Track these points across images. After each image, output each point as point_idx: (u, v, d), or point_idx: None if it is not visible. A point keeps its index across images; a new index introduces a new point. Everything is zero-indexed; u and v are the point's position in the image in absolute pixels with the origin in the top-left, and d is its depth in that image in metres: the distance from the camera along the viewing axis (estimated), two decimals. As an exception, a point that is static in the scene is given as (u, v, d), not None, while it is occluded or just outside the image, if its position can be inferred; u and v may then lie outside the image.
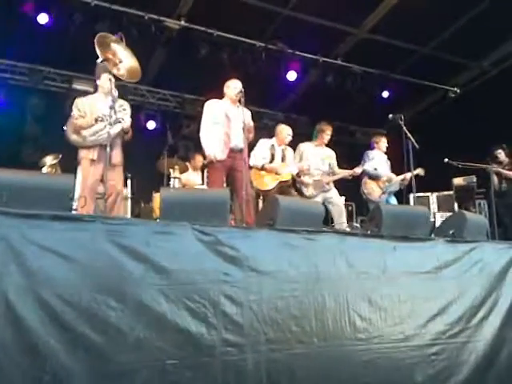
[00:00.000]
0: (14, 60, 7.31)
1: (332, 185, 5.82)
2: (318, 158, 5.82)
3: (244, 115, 4.55)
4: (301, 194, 5.69)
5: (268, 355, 2.82)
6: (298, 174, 5.64)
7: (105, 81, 4.48)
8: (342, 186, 6.04)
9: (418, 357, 3.32)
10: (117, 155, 4.47)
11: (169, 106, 8.61)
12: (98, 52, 4.35)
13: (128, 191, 5.98)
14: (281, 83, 7.96)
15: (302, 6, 6.63)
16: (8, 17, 6.04)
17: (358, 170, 5.90)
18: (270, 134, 5.84)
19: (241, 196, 4.38)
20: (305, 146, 5.86)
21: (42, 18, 6.15)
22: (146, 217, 6.12)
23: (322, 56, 7.74)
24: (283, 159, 5.57)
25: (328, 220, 5.59)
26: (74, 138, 4.45)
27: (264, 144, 5.55)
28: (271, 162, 5.48)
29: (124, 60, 4.50)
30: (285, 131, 5.63)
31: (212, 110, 4.76)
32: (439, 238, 3.94)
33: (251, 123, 4.84)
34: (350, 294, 3.26)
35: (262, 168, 5.42)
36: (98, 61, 4.36)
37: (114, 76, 4.46)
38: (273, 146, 5.56)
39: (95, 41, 4.40)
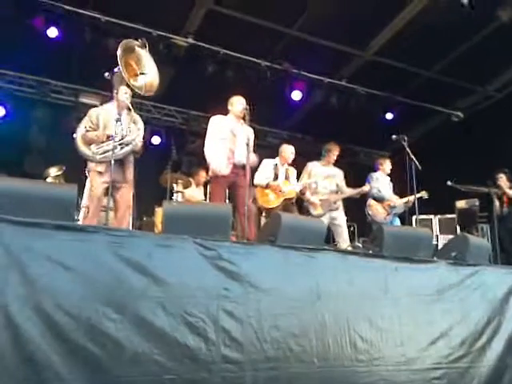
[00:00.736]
0: (21, 72, 7.41)
1: (340, 204, 5.83)
2: (325, 177, 5.86)
3: (247, 132, 4.61)
4: (308, 213, 5.70)
5: (267, 373, 2.78)
6: (301, 191, 5.67)
7: (122, 94, 4.36)
8: (344, 206, 6.03)
9: (419, 380, 3.27)
10: (129, 173, 4.41)
11: (174, 121, 8.68)
12: (120, 58, 4.23)
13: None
14: (286, 102, 8.02)
15: (308, 27, 6.72)
16: (17, 29, 6.12)
17: (365, 189, 5.92)
18: (275, 152, 5.86)
19: (242, 212, 4.37)
20: (312, 165, 5.92)
21: (52, 32, 6.22)
22: (147, 231, 6.09)
23: (326, 77, 7.82)
24: (286, 178, 5.60)
25: (329, 239, 5.57)
26: (83, 149, 4.32)
27: (268, 164, 5.60)
28: (274, 180, 5.51)
29: (146, 71, 4.40)
30: (288, 150, 5.68)
31: (218, 125, 4.80)
32: (441, 261, 3.92)
33: (252, 142, 4.87)
34: (351, 313, 3.23)
35: (267, 186, 5.45)
36: (116, 71, 4.25)
37: (131, 89, 4.38)
38: (276, 165, 5.61)
39: (119, 46, 4.31)
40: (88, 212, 3.97)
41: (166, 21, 6.56)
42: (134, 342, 2.49)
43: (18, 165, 6.83)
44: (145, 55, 4.52)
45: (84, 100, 7.67)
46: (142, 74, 4.40)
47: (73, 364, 2.34)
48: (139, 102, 8.00)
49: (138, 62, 4.46)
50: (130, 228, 5.63)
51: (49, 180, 5.72)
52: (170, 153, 6.33)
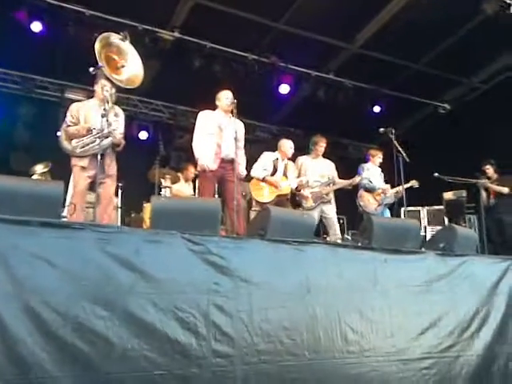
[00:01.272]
0: (5, 68, 7.29)
1: (331, 196, 5.84)
2: (316, 171, 5.87)
3: (236, 126, 4.58)
4: (301, 206, 5.71)
5: (258, 367, 2.78)
6: (297, 188, 5.67)
7: (101, 88, 4.38)
8: (335, 198, 6.04)
9: (409, 370, 3.31)
10: (111, 166, 4.40)
11: (161, 116, 8.63)
12: (98, 53, 4.26)
13: (118, 201, 5.94)
14: (274, 96, 8.00)
15: (295, 20, 6.69)
16: (1, 25, 6.02)
17: (357, 179, 5.93)
18: (263, 146, 5.86)
19: (231, 206, 4.37)
20: (303, 160, 5.92)
21: (36, 27, 6.12)
22: (135, 227, 6.06)
23: (314, 70, 7.81)
24: (285, 173, 5.59)
25: (319, 232, 5.59)
26: (65, 144, 4.37)
27: (268, 156, 5.59)
28: (273, 174, 5.49)
29: (128, 63, 4.41)
30: (287, 144, 5.68)
31: (205, 120, 4.78)
32: (430, 252, 3.96)
33: (242, 136, 4.85)
34: (341, 306, 3.25)
35: (263, 180, 5.43)
36: (97, 66, 4.24)
37: (112, 83, 4.39)
38: (277, 159, 5.60)
39: (97, 40, 4.31)
40: (74, 209, 3.93)
41: (152, 14, 6.49)
42: (123, 338, 2.47)
43: (3, 162, 6.73)
44: (126, 47, 4.49)
45: (70, 95, 7.57)
46: (123, 66, 4.37)
47: (62, 362, 2.33)
48: (126, 96, 7.96)
49: (119, 54, 4.46)
50: (118, 223, 5.62)
51: (35, 177, 5.65)
52: (157, 148, 6.29)
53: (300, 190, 5.70)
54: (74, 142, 4.27)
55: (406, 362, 3.31)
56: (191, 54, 6.98)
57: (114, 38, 4.51)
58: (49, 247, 2.50)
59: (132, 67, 4.41)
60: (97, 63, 4.31)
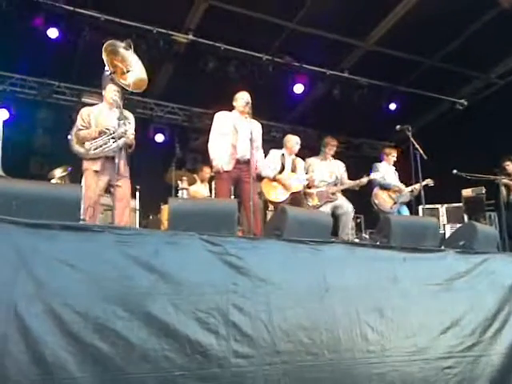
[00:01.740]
0: (24, 74, 7.42)
1: (338, 196, 5.79)
2: (324, 171, 5.83)
3: (252, 127, 4.59)
4: (305, 204, 5.68)
5: (278, 367, 2.78)
6: (307, 185, 5.64)
7: (110, 92, 4.47)
8: (351, 198, 6.00)
9: (431, 370, 3.26)
10: (125, 168, 4.45)
11: (177, 119, 8.69)
12: (106, 61, 4.38)
13: (136, 203, 5.99)
14: (288, 96, 7.99)
15: (308, 19, 6.68)
16: (18, 32, 6.13)
17: (364, 180, 5.86)
18: (278, 146, 5.84)
19: (248, 207, 4.37)
20: (311, 161, 5.90)
21: (52, 33, 6.22)
22: (153, 229, 6.10)
23: (328, 69, 7.77)
24: (293, 169, 5.56)
25: (336, 231, 5.56)
26: (77, 148, 4.44)
27: (274, 154, 5.58)
28: (281, 171, 5.47)
29: (132, 68, 4.52)
30: (293, 140, 5.66)
31: (221, 121, 4.80)
32: (449, 250, 3.90)
33: (259, 136, 4.86)
34: (361, 305, 3.22)
35: (274, 179, 5.42)
36: (106, 72, 4.37)
37: (121, 87, 4.48)
38: (283, 155, 5.58)
39: (103, 49, 4.45)
40: (93, 212, 3.99)
41: (166, 18, 6.53)
42: (143, 339, 2.49)
43: (23, 167, 6.85)
44: (130, 55, 4.65)
45: (87, 100, 7.66)
46: (129, 71, 4.51)
47: (83, 362, 2.35)
48: (142, 100, 8.06)
49: (123, 62, 4.59)
50: (136, 226, 5.67)
51: (54, 181, 5.73)
52: (173, 150, 6.33)
53: (310, 187, 5.68)
54: (87, 144, 4.33)
55: (428, 361, 3.27)
56: (205, 56, 7.02)
57: (119, 46, 4.67)
58: (69, 250, 2.54)
59: (136, 72, 4.52)
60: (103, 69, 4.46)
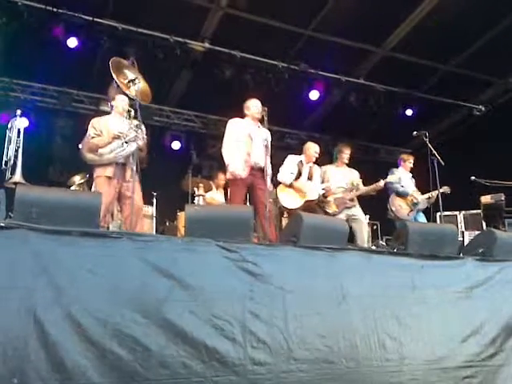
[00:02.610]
0: (43, 83, 7.56)
1: (356, 202, 5.76)
2: (340, 178, 5.82)
3: (266, 135, 4.64)
4: (325, 212, 5.66)
5: (295, 374, 2.76)
6: (324, 194, 5.63)
7: (120, 101, 4.62)
8: (367, 204, 5.97)
9: (451, 379, 3.21)
10: (134, 175, 4.47)
11: (193, 126, 8.74)
12: (114, 75, 4.55)
13: (153, 210, 6.04)
14: (304, 103, 8.00)
15: (323, 26, 6.69)
16: (39, 41, 6.25)
17: (380, 184, 5.81)
18: (294, 153, 5.84)
19: (262, 213, 4.38)
20: (326, 168, 5.90)
21: (72, 42, 6.34)
22: (170, 235, 6.14)
23: (344, 75, 7.76)
24: (310, 177, 5.56)
25: (352, 238, 5.52)
26: (90, 156, 4.51)
27: (292, 160, 5.58)
28: (298, 178, 5.47)
29: (136, 82, 4.65)
30: (312, 148, 5.66)
31: (235, 128, 4.83)
32: (468, 257, 3.85)
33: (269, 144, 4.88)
34: (378, 313, 3.19)
35: (290, 185, 5.41)
36: (114, 84, 4.51)
37: (128, 97, 4.61)
38: (301, 161, 5.58)
39: (110, 64, 4.61)
40: (111, 218, 4.04)
41: (183, 26, 6.61)
42: (161, 345, 2.50)
43: (43, 174, 6.96)
44: (133, 71, 4.83)
45: (105, 108, 7.75)
46: (131, 83, 4.63)
47: (102, 368, 2.37)
48: (158, 108, 8.15)
49: (125, 77, 4.75)
50: (153, 232, 5.71)
51: (73, 188, 5.81)
52: (190, 157, 6.37)
53: (327, 197, 5.66)
54: (100, 150, 4.43)
55: (447, 370, 3.21)
56: (222, 63, 7.07)
57: (123, 65, 4.87)
58: (88, 256, 2.57)
59: (138, 84, 4.63)
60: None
